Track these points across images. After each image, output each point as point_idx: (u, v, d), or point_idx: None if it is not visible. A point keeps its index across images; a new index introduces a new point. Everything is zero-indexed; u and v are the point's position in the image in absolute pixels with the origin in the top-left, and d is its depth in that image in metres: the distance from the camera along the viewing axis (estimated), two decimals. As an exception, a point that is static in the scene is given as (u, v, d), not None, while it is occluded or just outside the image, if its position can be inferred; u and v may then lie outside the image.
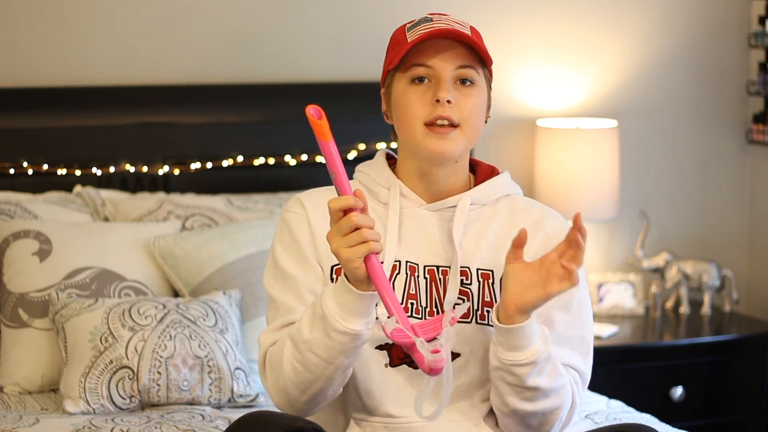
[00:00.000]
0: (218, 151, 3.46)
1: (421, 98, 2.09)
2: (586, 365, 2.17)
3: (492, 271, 2.14)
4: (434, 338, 1.94)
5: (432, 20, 2.11)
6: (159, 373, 2.81)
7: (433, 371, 1.92)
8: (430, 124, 2.08)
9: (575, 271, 1.94)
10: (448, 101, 2.07)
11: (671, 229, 4.06)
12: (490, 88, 2.16)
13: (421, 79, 2.09)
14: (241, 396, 2.87)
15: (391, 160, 2.25)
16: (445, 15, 2.14)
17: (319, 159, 3.49)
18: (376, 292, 1.96)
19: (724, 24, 4.04)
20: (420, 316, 2.11)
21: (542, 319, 2.12)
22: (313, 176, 3.50)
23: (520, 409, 2.06)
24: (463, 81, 2.10)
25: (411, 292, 2.11)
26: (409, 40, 2.09)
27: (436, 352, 1.91)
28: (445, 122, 2.08)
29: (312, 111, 1.89)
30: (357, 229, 1.91)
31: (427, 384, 1.95)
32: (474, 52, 2.10)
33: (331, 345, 1.99)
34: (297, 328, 2.03)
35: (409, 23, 2.14)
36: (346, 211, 1.92)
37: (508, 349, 2.01)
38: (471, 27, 2.13)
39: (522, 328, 1.99)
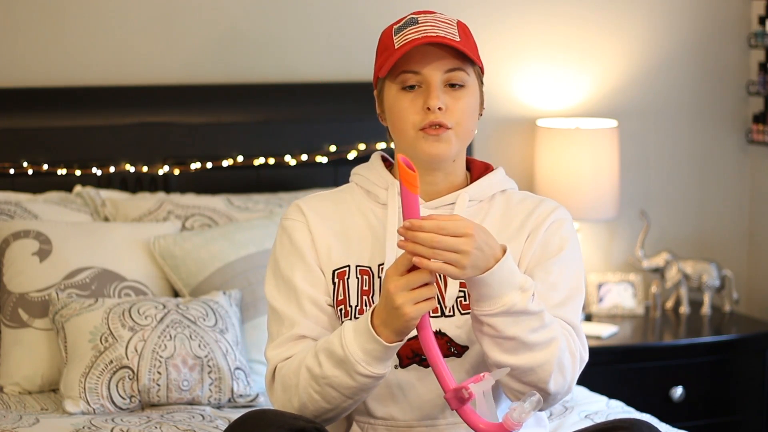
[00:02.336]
0: (218, 151, 3.46)
1: (413, 105, 2.09)
2: (576, 317, 2.11)
3: None
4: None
5: (418, 22, 2.10)
6: (159, 373, 2.81)
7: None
8: (423, 129, 2.09)
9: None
10: (439, 108, 2.07)
11: (671, 229, 4.06)
12: (482, 83, 2.16)
13: (411, 86, 2.10)
14: (241, 396, 2.87)
15: (386, 162, 2.25)
16: (431, 13, 2.13)
17: (319, 159, 3.49)
18: (403, 341, 1.96)
19: (724, 24, 4.04)
20: None
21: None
22: (313, 176, 3.50)
23: (503, 363, 1.99)
24: (453, 84, 2.10)
25: None
26: (396, 45, 2.09)
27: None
28: (437, 126, 2.08)
29: (404, 161, 1.89)
30: (427, 284, 1.91)
31: None
32: (463, 53, 2.10)
33: (353, 385, 2.00)
34: (315, 361, 2.03)
35: (395, 24, 2.13)
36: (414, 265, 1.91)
37: (477, 300, 1.96)
38: (458, 23, 2.13)
39: (483, 278, 1.93)
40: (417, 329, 1.94)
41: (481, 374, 1.93)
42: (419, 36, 2.07)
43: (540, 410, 2.08)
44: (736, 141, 4.09)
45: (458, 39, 2.09)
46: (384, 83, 2.13)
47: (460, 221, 1.91)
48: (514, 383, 2.03)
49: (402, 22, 2.12)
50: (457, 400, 1.92)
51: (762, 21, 3.94)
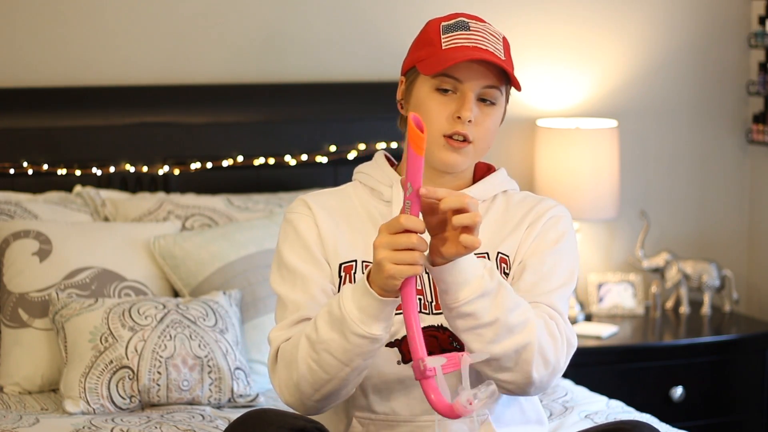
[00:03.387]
0: (218, 151, 3.46)
1: (443, 110, 2.09)
2: (562, 305, 2.11)
3: (487, 253, 2.15)
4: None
5: (469, 28, 2.10)
6: (159, 373, 2.81)
7: (452, 414, 1.88)
8: (447, 136, 2.09)
9: (465, 240, 1.89)
10: (470, 120, 2.08)
11: (671, 229, 4.06)
12: (508, 101, 2.17)
13: (445, 90, 2.10)
14: (241, 396, 2.87)
15: (389, 161, 2.25)
16: (480, 21, 2.13)
17: (319, 159, 3.49)
18: (398, 299, 1.94)
19: (724, 24, 4.04)
20: (427, 311, 2.11)
21: (519, 269, 2.12)
22: (313, 176, 3.50)
23: (488, 352, 1.98)
24: (485, 100, 2.10)
25: (417, 287, 2.11)
26: (443, 45, 2.09)
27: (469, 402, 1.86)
28: (461, 138, 2.09)
29: (415, 120, 1.86)
30: (412, 249, 1.89)
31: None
32: (503, 70, 2.09)
33: (348, 348, 1.98)
34: (313, 327, 2.02)
35: (444, 21, 2.12)
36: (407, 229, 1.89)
37: (453, 290, 1.95)
38: (504, 39, 2.13)
39: (456, 264, 1.92)
40: (401, 295, 1.92)
41: (459, 354, 1.91)
42: (470, 45, 2.07)
43: (531, 393, 2.07)
44: (736, 141, 4.09)
45: (503, 57, 2.10)
46: (417, 75, 2.13)
47: (461, 195, 1.89)
48: (500, 374, 2.02)
49: (451, 22, 2.12)
50: (420, 371, 1.90)
51: (762, 21, 3.94)
